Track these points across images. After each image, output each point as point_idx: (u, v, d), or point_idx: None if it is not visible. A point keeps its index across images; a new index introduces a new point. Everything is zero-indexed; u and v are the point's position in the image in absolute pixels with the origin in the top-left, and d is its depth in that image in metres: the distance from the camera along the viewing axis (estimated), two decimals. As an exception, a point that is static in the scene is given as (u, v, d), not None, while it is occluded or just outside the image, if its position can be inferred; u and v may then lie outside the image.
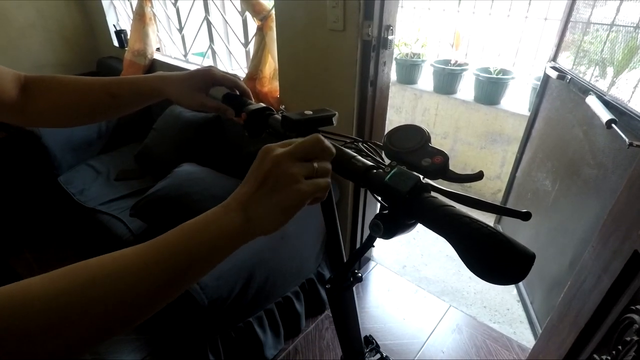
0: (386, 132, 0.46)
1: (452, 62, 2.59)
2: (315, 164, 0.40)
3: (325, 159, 0.41)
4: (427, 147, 0.44)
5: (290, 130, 0.55)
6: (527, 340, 1.65)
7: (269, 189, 0.39)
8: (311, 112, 0.55)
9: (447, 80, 2.58)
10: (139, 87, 0.65)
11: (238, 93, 0.70)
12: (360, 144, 0.55)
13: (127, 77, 0.66)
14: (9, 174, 2.31)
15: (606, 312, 0.92)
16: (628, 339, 0.79)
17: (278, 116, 0.63)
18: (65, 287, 0.32)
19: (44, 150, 2.04)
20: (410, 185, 0.39)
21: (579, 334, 1.01)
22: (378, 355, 1.03)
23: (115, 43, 2.73)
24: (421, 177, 0.40)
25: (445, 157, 0.43)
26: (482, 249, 0.33)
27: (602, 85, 1.39)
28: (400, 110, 2.92)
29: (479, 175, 0.40)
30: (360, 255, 0.60)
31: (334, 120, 0.56)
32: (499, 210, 0.38)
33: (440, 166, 0.43)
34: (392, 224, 0.41)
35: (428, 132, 0.45)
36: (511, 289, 1.91)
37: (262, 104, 0.66)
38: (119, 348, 1.60)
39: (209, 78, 0.65)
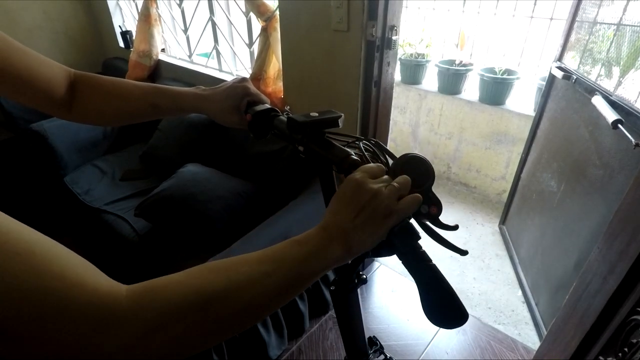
0: (400, 155, 0.47)
1: (457, 62, 2.58)
2: (396, 184, 0.44)
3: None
4: (429, 192, 0.47)
5: (295, 132, 0.55)
6: (532, 341, 1.64)
7: (367, 218, 0.42)
8: (317, 114, 0.54)
9: (451, 80, 2.57)
10: (180, 103, 0.67)
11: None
12: (361, 142, 0.55)
13: (169, 88, 0.67)
14: (16, 173, 2.34)
15: (612, 314, 0.91)
16: (634, 340, 0.78)
17: (283, 117, 0.63)
18: (200, 281, 0.37)
19: (51, 150, 2.06)
20: (410, 245, 0.44)
21: (584, 336, 1.00)
22: (382, 357, 1.03)
23: (121, 44, 2.75)
24: (419, 234, 0.45)
25: (440, 209, 0.47)
26: (442, 308, 0.43)
27: (608, 85, 1.38)
28: (404, 110, 2.91)
29: (455, 227, 0.48)
30: (363, 257, 0.60)
31: (340, 122, 0.56)
32: (445, 244, 0.48)
33: (434, 216, 0.47)
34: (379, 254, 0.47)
35: (434, 174, 0.48)
36: (516, 290, 1.90)
37: (268, 105, 0.66)
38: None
39: (245, 97, 0.67)
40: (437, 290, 0.43)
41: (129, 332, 0.32)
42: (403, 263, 0.45)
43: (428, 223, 0.48)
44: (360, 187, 0.43)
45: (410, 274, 0.44)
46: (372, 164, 0.46)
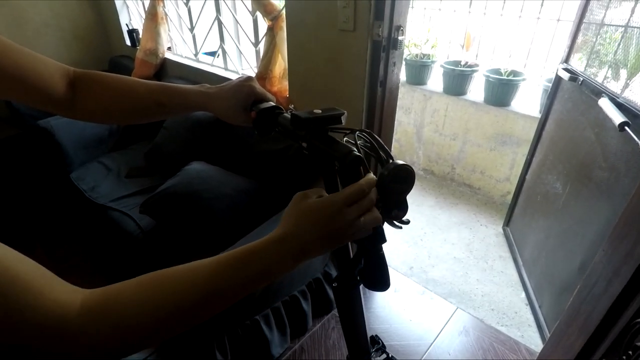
0: (397, 161, 0.49)
1: (462, 63, 2.58)
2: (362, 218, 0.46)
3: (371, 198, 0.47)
4: (405, 199, 0.51)
5: (299, 129, 0.56)
6: (535, 344, 1.63)
7: (331, 241, 0.45)
8: (320, 111, 0.55)
9: (457, 81, 2.56)
10: (185, 100, 0.66)
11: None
12: (357, 133, 0.56)
13: (175, 86, 0.67)
14: (23, 169, 2.36)
15: (616, 317, 0.91)
16: (639, 344, 0.78)
17: (287, 115, 0.63)
18: (152, 296, 0.39)
19: (57, 147, 2.07)
20: (378, 246, 0.56)
21: (588, 339, 1.00)
22: (384, 356, 1.03)
23: (128, 42, 2.77)
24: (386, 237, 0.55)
25: (405, 213, 0.52)
26: (380, 280, 0.60)
27: (615, 87, 1.37)
28: (409, 111, 2.91)
29: (407, 222, 0.54)
30: (363, 255, 0.61)
31: (343, 119, 0.56)
32: (393, 225, 0.56)
33: (404, 222, 0.53)
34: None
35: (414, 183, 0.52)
36: (519, 292, 1.90)
37: (272, 103, 0.66)
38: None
39: (251, 96, 0.66)
40: (380, 270, 0.58)
41: (78, 344, 0.35)
42: (359, 247, 0.58)
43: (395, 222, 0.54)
44: (337, 215, 0.44)
45: (364, 257, 0.59)
46: (355, 187, 0.46)
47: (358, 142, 0.54)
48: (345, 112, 0.57)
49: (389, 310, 1.79)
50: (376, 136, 0.56)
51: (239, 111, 0.66)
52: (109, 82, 0.65)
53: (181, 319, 0.40)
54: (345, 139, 0.57)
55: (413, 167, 0.48)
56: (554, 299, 1.61)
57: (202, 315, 0.42)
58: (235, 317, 1.34)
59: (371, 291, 1.89)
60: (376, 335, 1.03)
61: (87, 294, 0.38)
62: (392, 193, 0.49)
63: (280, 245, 0.44)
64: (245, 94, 0.66)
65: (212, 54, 2.35)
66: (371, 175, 0.49)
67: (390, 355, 1.03)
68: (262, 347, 1.44)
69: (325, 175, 0.60)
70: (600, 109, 1.31)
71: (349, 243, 0.72)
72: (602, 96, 1.33)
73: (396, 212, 0.51)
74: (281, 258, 0.44)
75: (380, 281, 0.59)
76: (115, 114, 0.68)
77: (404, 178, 0.48)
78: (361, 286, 0.75)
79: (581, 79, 1.54)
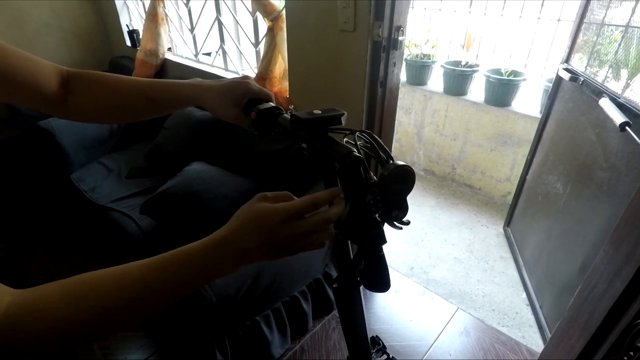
0: (398, 161, 0.49)
1: (463, 63, 2.58)
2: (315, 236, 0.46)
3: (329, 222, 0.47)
4: (405, 200, 0.51)
5: (299, 130, 0.56)
6: (536, 344, 1.63)
7: (271, 251, 0.44)
8: (320, 112, 0.55)
9: (457, 81, 2.56)
10: (175, 93, 0.65)
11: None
12: (357, 134, 0.56)
13: (166, 81, 0.66)
14: (23, 170, 2.36)
15: (618, 317, 0.90)
16: (640, 344, 0.77)
17: (287, 115, 0.63)
18: (75, 302, 0.39)
19: (58, 147, 2.07)
20: (378, 247, 0.56)
21: (589, 339, 0.99)
22: (384, 356, 1.03)
23: (128, 43, 2.77)
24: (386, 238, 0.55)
25: (405, 214, 0.52)
26: (381, 281, 0.60)
27: (615, 87, 1.37)
28: (409, 111, 2.90)
29: (408, 222, 0.54)
30: (364, 254, 0.61)
31: (343, 119, 0.56)
32: (394, 227, 0.56)
33: (404, 223, 0.53)
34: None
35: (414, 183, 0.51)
36: (520, 293, 1.89)
37: (272, 104, 0.66)
38: (127, 345, 1.62)
39: (246, 92, 0.64)
40: (380, 271, 0.59)
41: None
42: (359, 248, 0.58)
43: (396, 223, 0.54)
44: (279, 227, 0.43)
45: (364, 258, 0.59)
46: (308, 199, 0.46)
47: (358, 143, 0.54)
48: (345, 112, 0.56)
49: (389, 311, 1.79)
50: (376, 137, 0.56)
51: (231, 106, 0.64)
52: (102, 80, 0.64)
53: (107, 323, 0.40)
54: (345, 139, 0.57)
55: (413, 168, 0.49)
56: (554, 300, 1.61)
57: (133, 318, 0.41)
58: (236, 318, 1.34)
59: (371, 292, 1.89)
60: (376, 336, 1.03)
61: (16, 296, 0.38)
62: (392, 194, 0.49)
63: (219, 249, 0.43)
64: (240, 89, 0.64)
65: (209, 54, 2.35)
66: (336, 188, 0.50)
67: (390, 355, 1.03)
68: (262, 348, 1.44)
69: (325, 176, 0.60)
70: (601, 109, 1.30)
71: (349, 243, 0.72)
72: (603, 96, 1.33)
73: (396, 212, 0.50)
74: (219, 262, 0.43)
75: (381, 282, 0.60)
76: (108, 113, 0.67)
77: (404, 178, 0.48)
78: (362, 287, 0.75)
79: (582, 79, 1.54)
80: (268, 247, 0.43)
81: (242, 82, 0.64)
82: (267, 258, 0.45)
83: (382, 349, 1.03)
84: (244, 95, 0.64)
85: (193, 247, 0.43)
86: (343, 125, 0.57)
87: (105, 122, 0.68)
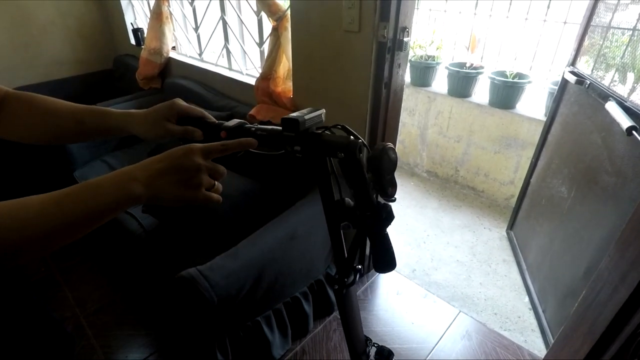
0: (388, 143, 0.55)
1: (468, 65, 2.57)
2: (216, 183, 0.53)
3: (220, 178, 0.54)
4: (394, 177, 0.57)
5: (294, 131, 0.57)
6: (539, 349, 1.62)
7: (178, 179, 0.48)
8: (306, 112, 0.58)
9: (461, 83, 2.55)
10: (105, 120, 0.67)
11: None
12: (338, 127, 0.61)
13: (100, 108, 0.67)
14: (27, 168, 2.36)
15: (623, 324, 0.90)
16: (645, 352, 0.76)
17: (267, 126, 0.62)
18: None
19: (61, 145, 2.08)
20: (386, 227, 0.61)
21: (593, 345, 0.99)
22: (374, 349, 1.03)
23: (132, 41, 2.77)
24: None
25: (395, 190, 0.58)
26: (389, 260, 0.64)
27: (622, 91, 1.36)
28: (413, 112, 2.89)
29: (394, 199, 0.59)
30: (356, 250, 0.68)
31: (323, 116, 0.61)
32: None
33: (394, 197, 0.58)
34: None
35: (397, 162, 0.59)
36: (523, 297, 1.88)
37: (238, 120, 0.65)
38: (127, 344, 1.62)
39: (173, 109, 0.65)
40: (388, 250, 0.62)
41: None
42: (367, 232, 0.63)
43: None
44: (191, 153, 0.49)
45: (372, 239, 0.62)
46: (214, 144, 0.52)
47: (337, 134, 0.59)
48: (324, 110, 0.62)
49: (391, 313, 1.78)
50: (349, 128, 0.60)
51: (158, 124, 0.65)
52: (36, 101, 0.66)
53: (18, 250, 0.41)
54: (325, 132, 0.60)
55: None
56: (558, 304, 1.60)
57: (45, 246, 0.43)
58: (237, 318, 1.33)
59: (373, 293, 1.89)
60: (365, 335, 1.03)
61: None
62: (384, 172, 0.54)
63: (125, 176, 0.47)
64: (165, 107, 0.65)
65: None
66: (251, 139, 0.56)
67: (378, 344, 1.03)
68: (263, 349, 1.43)
69: (319, 172, 0.61)
70: (607, 112, 1.29)
71: (343, 241, 0.72)
72: (610, 100, 1.32)
73: (390, 189, 0.56)
74: (125, 188, 0.46)
75: (388, 261, 0.63)
76: (36, 132, 0.67)
77: (390, 157, 0.54)
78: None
79: (588, 82, 1.53)
80: (184, 176, 0.48)
81: (165, 104, 0.66)
82: (173, 189, 0.48)
83: (372, 344, 1.03)
84: (169, 115, 0.65)
85: (100, 179, 0.47)
86: (324, 121, 0.61)
87: (35, 141, 0.69)
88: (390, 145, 0.53)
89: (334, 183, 0.64)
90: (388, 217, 0.58)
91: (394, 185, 0.56)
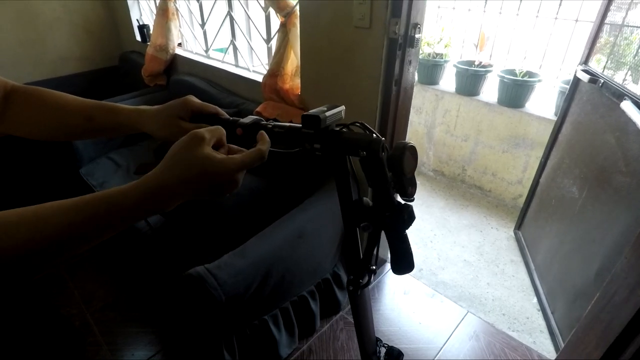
0: (409, 141, 0.53)
1: (476, 63, 2.54)
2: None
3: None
4: (414, 177, 0.55)
5: (314, 128, 0.56)
6: (548, 351, 1.60)
7: (207, 192, 0.46)
8: (325, 109, 0.56)
9: (470, 81, 2.52)
10: (114, 116, 0.64)
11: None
12: (357, 124, 0.60)
13: (110, 104, 0.65)
14: (32, 165, 2.36)
15: (639, 328, 0.88)
16: (665, 357, 0.75)
17: (284, 123, 0.61)
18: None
19: (67, 142, 2.07)
20: (406, 228, 0.59)
21: (607, 349, 0.97)
22: (384, 349, 1.02)
23: (138, 37, 2.76)
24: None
25: (415, 190, 0.56)
26: (408, 262, 0.62)
27: (636, 89, 1.33)
28: (420, 111, 2.87)
29: (413, 199, 0.58)
30: (372, 251, 0.68)
31: (343, 113, 0.60)
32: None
33: (413, 197, 0.56)
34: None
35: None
36: (531, 297, 1.86)
37: (253, 117, 0.63)
38: (133, 342, 1.62)
39: (187, 107, 0.63)
40: (407, 251, 0.61)
41: None
42: (390, 234, 0.60)
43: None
44: (234, 174, 0.47)
45: (391, 240, 0.60)
46: (256, 153, 0.51)
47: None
48: (343, 106, 0.61)
49: (398, 312, 1.76)
50: (367, 125, 0.59)
51: (171, 122, 0.62)
52: (44, 96, 0.64)
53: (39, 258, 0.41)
54: (343, 130, 0.59)
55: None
56: (567, 306, 1.58)
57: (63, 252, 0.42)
58: (244, 317, 1.32)
59: (380, 292, 1.87)
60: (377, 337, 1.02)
61: None
62: (405, 171, 0.52)
63: (153, 198, 0.44)
64: (177, 107, 0.62)
65: (223, 50, 2.33)
66: (266, 137, 0.54)
67: (388, 345, 1.02)
68: (270, 348, 1.43)
69: (338, 171, 0.60)
70: (622, 112, 1.27)
71: (359, 242, 0.71)
72: (625, 99, 1.29)
73: (411, 189, 0.55)
74: (151, 210, 0.44)
75: (407, 263, 0.63)
76: (42, 127, 0.65)
77: (412, 155, 0.53)
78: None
79: (602, 81, 1.50)
80: (216, 190, 0.47)
81: (178, 101, 0.63)
82: (200, 196, 0.47)
83: (382, 345, 1.02)
84: (182, 113, 0.63)
85: (126, 196, 0.43)
86: (343, 118, 0.60)
87: (45, 138, 0.66)
88: (412, 143, 0.52)
89: (352, 182, 0.63)
90: (409, 217, 0.57)
91: (414, 185, 0.54)
